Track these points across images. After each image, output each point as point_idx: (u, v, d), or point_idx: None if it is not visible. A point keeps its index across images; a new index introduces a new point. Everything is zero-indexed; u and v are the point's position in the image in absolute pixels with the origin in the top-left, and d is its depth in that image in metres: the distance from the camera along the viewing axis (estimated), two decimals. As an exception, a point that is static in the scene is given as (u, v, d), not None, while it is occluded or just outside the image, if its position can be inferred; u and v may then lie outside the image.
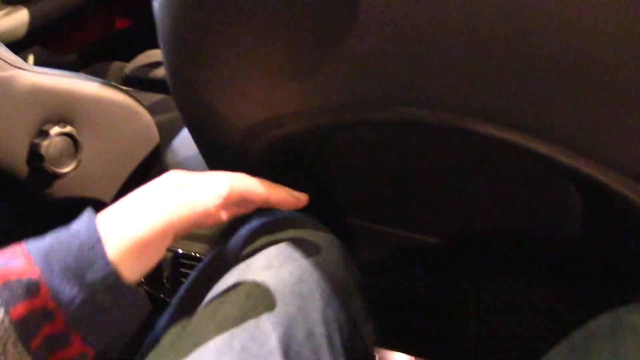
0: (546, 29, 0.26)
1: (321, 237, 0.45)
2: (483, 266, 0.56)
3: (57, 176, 0.62)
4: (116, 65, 1.27)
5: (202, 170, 0.72)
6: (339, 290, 0.44)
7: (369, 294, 0.50)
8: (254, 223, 0.46)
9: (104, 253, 0.32)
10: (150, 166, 0.75)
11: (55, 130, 0.60)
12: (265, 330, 0.36)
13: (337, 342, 0.42)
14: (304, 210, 0.47)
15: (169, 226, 0.35)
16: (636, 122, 0.27)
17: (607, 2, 0.24)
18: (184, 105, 0.44)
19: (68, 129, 0.62)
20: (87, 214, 0.35)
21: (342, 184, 0.52)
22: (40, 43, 1.30)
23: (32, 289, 0.30)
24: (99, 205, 0.69)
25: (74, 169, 0.64)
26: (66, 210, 0.68)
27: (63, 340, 0.32)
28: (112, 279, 0.32)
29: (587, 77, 0.27)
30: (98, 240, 0.32)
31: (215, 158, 0.51)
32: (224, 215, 0.39)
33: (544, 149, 0.31)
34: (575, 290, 0.52)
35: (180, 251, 0.71)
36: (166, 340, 0.38)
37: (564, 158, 0.31)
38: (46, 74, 0.60)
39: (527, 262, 0.52)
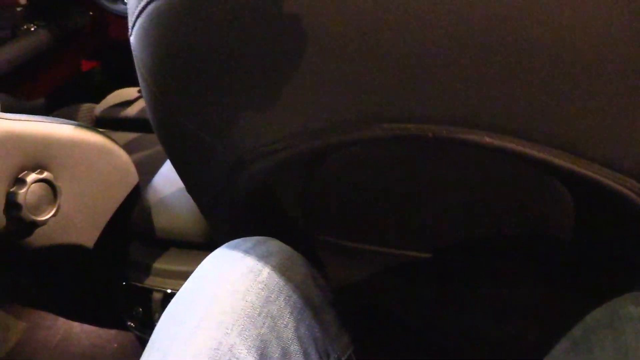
0: (535, 33, 0.26)
1: (285, 256, 0.46)
2: (472, 274, 0.56)
3: (36, 224, 0.60)
4: (86, 107, 1.25)
5: (185, 206, 0.71)
6: (309, 305, 0.45)
7: (347, 309, 0.50)
8: (218, 252, 0.46)
9: None
10: (131, 206, 0.73)
11: (32, 177, 0.59)
12: (241, 356, 0.37)
13: (314, 357, 0.43)
14: (273, 232, 0.48)
15: None
16: (634, 119, 0.28)
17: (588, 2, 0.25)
18: (168, 139, 0.43)
19: (45, 174, 0.60)
20: None
21: (322, 204, 0.52)
22: (7, 89, 1.27)
23: None
24: (80, 251, 0.68)
25: (54, 216, 0.62)
26: (47, 257, 0.66)
27: None
28: None
29: (582, 78, 0.27)
30: None
31: (201, 192, 0.50)
32: None
33: (538, 153, 0.31)
34: (569, 289, 0.52)
35: (169, 291, 0.69)
36: None
37: (559, 160, 0.31)
38: (19, 119, 0.59)
39: (518, 266, 0.52)
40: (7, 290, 0.84)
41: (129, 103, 1.18)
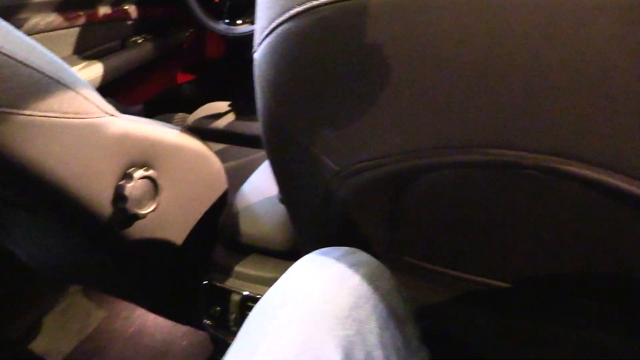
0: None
1: (373, 266, 0.48)
2: (552, 311, 0.56)
3: (137, 217, 0.66)
4: (179, 116, 1.34)
5: (270, 215, 0.75)
6: (394, 316, 0.46)
7: (424, 327, 0.51)
8: (310, 257, 0.49)
9: None
10: (219, 210, 0.78)
11: (139, 173, 0.64)
12: (328, 352, 0.38)
13: None
14: (358, 247, 0.50)
15: None
16: None
17: None
18: (277, 149, 0.47)
19: (150, 172, 0.66)
20: None
21: (408, 225, 0.53)
22: (111, 94, 1.38)
23: None
24: (170, 247, 0.73)
25: (153, 211, 0.67)
26: (140, 249, 0.71)
27: None
28: None
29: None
30: None
31: (298, 201, 0.54)
32: None
33: (633, 188, 0.32)
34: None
35: (247, 293, 0.72)
36: None
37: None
38: (134, 121, 0.65)
39: (602, 309, 0.52)
40: (96, 276, 0.91)
41: (219, 116, 1.25)
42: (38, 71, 0.53)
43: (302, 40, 0.36)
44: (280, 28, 0.37)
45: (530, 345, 0.59)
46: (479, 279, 0.55)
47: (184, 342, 1.13)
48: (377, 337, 0.43)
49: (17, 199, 0.67)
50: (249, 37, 1.12)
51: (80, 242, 0.75)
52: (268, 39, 0.39)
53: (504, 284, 0.54)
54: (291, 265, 0.66)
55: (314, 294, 0.43)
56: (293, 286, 0.44)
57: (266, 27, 0.39)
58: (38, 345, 1.20)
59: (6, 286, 1.23)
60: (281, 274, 0.71)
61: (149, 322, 1.21)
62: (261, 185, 0.80)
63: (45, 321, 1.25)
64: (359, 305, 0.43)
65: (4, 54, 0.49)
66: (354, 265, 0.46)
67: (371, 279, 0.46)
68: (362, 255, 0.48)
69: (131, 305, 1.23)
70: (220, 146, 1.14)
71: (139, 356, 1.13)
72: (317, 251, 0.49)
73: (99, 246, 0.73)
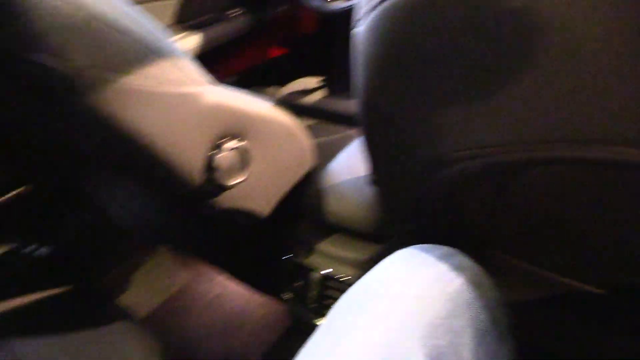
0: None
1: (475, 273, 0.44)
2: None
3: (226, 187, 0.67)
4: (270, 90, 1.35)
5: (357, 196, 0.74)
6: (492, 329, 0.42)
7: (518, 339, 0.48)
8: (408, 252, 0.46)
9: None
10: (305, 187, 0.78)
11: (230, 144, 0.65)
12: None
13: None
14: (445, 237, 0.47)
15: None
16: None
17: None
18: (373, 129, 0.46)
19: (241, 144, 0.66)
20: None
21: (503, 220, 0.50)
22: (205, 66, 1.42)
23: None
24: (255, 218, 0.74)
25: (242, 182, 0.68)
26: (227, 217, 0.72)
27: None
28: None
29: None
30: None
31: (392, 185, 0.52)
32: None
33: None
34: None
35: (327, 272, 0.72)
36: None
37: None
38: (228, 92, 0.65)
39: None
40: (183, 239, 0.94)
41: (309, 91, 1.25)
42: (139, 40, 0.54)
43: (411, 14, 0.34)
44: (387, 1, 0.35)
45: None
46: (566, 280, 0.51)
47: (262, 312, 1.16)
48: (470, 352, 0.39)
49: (113, 161, 0.70)
50: (343, 14, 1.10)
51: (170, 206, 0.78)
52: (372, 13, 0.37)
53: (593, 288, 0.50)
54: (375, 248, 0.64)
55: (409, 293, 0.40)
56: (387, 281, 0.42)
57: (371, 0, 0.37)
58: (124, 299, 1.27)
59: (99, 243, 1.31)
60: (364, 256, 0.70)
61: (230, 289, 1.25)
62: (350, 165, 0.79)
63: (133, 278, 1.32)
64: (456, 314, 0.40)
65: (108, 23, 0.50)
66: (456, 269, 0.42)
67: (473, 287, 0.42)
68: (464, 260, 0.45)
69: (215, 270, 1.28)
70: (310, 122, 1.14)
71: (218, 320, 1.17)
72: (416, 247, 0.46)
73: (188, 212, 0.75)
